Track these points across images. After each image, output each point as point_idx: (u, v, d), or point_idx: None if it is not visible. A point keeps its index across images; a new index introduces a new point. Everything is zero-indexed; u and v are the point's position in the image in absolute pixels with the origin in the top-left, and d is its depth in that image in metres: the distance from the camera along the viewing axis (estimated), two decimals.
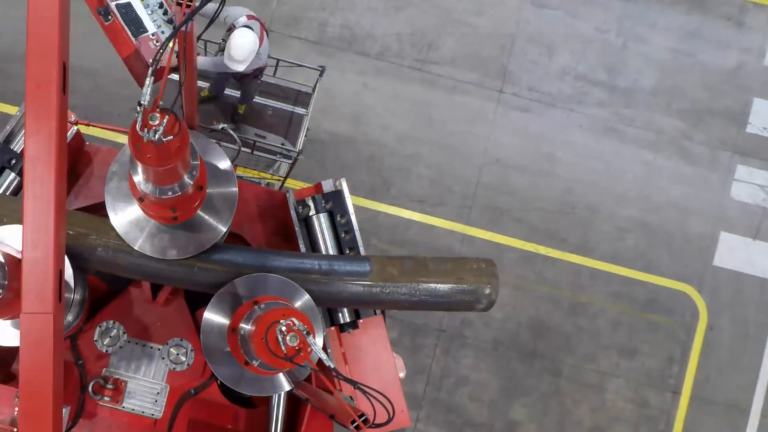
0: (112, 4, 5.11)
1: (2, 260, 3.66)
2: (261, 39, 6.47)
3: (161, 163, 3.32)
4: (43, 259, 2.73)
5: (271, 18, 9.53)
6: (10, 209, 4.25)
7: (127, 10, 5.19)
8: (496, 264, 4.66)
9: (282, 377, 4.26)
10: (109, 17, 5.06)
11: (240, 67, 6.36)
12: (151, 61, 5.25)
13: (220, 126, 6.65)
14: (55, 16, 2.66)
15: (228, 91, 7.46)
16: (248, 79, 7.05)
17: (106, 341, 4.90)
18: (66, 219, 4.20)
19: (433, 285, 4.42)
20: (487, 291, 4.47)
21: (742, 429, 9.33)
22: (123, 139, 6.65)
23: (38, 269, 2.73)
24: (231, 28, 6.41)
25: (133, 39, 5.14)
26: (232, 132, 6.46)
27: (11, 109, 9.00)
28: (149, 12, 5.27)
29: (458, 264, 4.56)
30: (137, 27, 5.24)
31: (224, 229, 4.21)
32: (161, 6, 5.25)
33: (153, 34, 5.26)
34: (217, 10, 3.65)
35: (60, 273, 2.79)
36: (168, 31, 5.25)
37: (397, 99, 9.55)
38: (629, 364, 9.36)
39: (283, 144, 7.45)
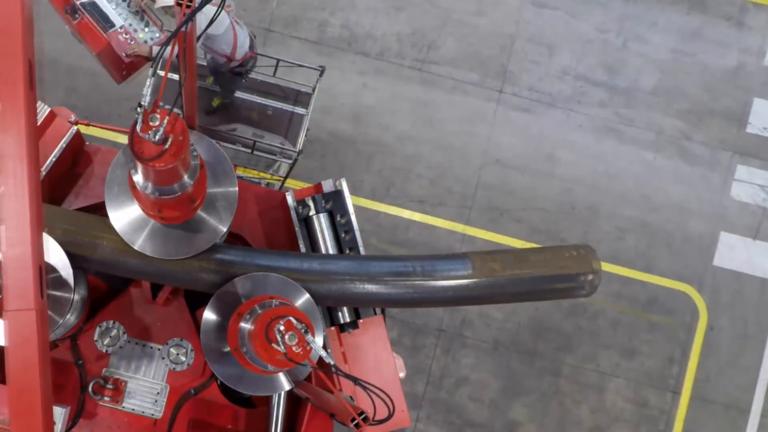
0: (77, 3, 5.17)
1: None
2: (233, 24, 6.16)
3: (161, 163, 3.32)
4: (22, 256, 2.71)
5: (271, 18, 9.54)
6: None
7: (93, 8, 5.28)
8: (594, 249, 4.61)
9: (282, 377, 4.26)
10: (77, 15, 5.13)
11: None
12: (125, 54, 5.34)
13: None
14: (18, 14, 2.66)
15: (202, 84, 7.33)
16: (227, 76, 6.82)
17: (106, 341, 4.90)
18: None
19: (536, 276, 4.38)
20: (590, 277, 4.48)
21: (742, 429, 9.33)
22: (123, 139, 6.64)
23: (18, 267, 2.71)
24: None
25: (103, 34, 5.23)
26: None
27: None
28: (114, 6, 5.36)
29: (557, 253, 4.53)
30: (105, 22, 5.31)
31: (224, 229, 4.21)
32: None
33: (121, 27, 5.36)
34: (217, 10, 3.67)
35: (40, 269, 2.78)
36: (135, 22, 5.37)
37: (397, 99, 9.55)
38: (629, 364, 9.35)
39: (282, 144, 7.44)
